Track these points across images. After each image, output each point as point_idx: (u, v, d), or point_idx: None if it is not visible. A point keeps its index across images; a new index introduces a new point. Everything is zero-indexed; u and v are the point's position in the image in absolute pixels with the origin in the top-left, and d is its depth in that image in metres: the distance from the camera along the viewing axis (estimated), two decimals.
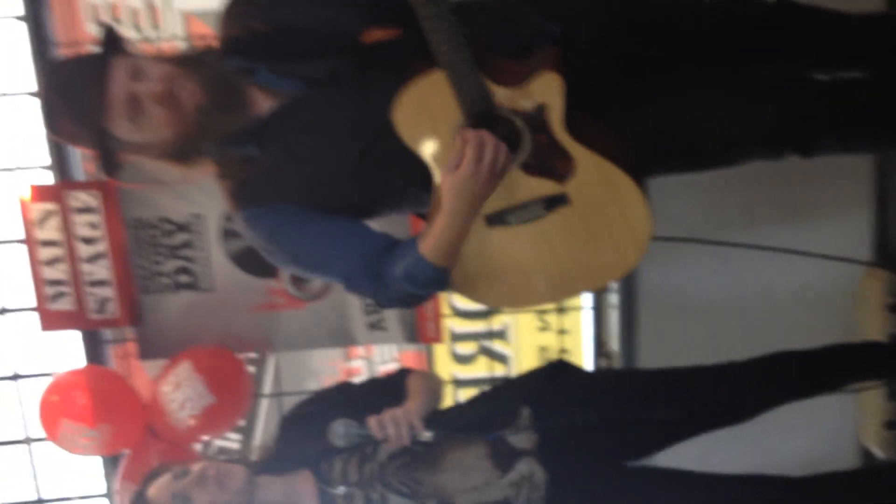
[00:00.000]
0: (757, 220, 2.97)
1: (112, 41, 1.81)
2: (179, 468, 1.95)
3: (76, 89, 1.77)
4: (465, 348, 3.51)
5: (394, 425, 1.89)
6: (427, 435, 1.89)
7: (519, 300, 1.97)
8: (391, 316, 3.24)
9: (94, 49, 1.83)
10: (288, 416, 2.17)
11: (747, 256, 2.64)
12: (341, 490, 1.96)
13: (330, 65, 1.83)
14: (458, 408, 2.21)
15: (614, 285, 3.28)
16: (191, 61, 1.82)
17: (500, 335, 3.52)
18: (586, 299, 3.50)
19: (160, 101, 1.76)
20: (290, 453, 2.03)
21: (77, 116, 1.77)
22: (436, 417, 2.01)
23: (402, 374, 2.23)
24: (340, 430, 1.89)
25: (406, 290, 1.86)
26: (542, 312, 3.59)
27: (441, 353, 3.49)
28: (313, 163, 1.86)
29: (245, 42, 1.84)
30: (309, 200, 1.86)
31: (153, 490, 1.94)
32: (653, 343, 3.23)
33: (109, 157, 1.83)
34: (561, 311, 3.57)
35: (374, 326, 3.25)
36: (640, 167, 1.87)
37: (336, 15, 1.85)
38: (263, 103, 1.86)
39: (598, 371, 3.24)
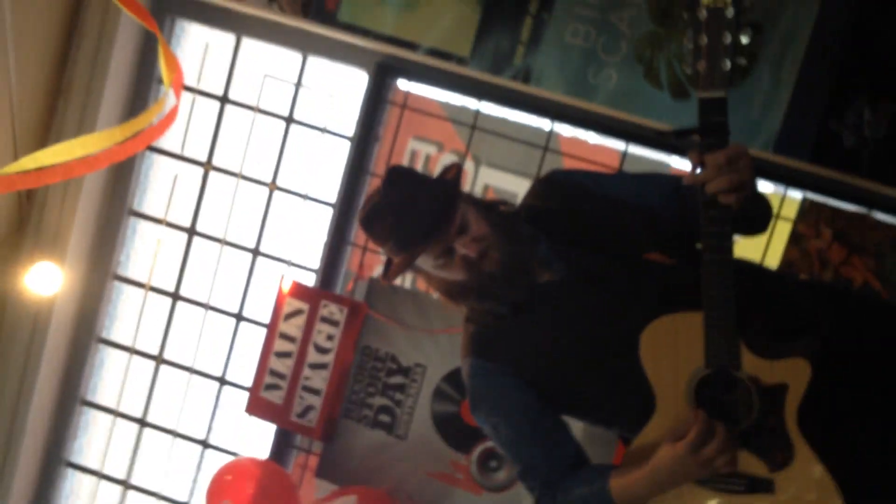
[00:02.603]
0: None
1: (459, 182, 1.93)
2: None
3: (414, 208, 1.86)
4: None
5: None
6: None
7: None
8: None
9: (443, 179, 1.96)
10: None
11: None
12: None
13: (604, 262, 1.91)
14: None
15: None
16: (503, 225, 1.92)
17: None
18: None
19: (469, 259, 1.88)
20: None
21: (401, 231, 1.86)
22: None
23: None
24: None
25: None
26: None
27: None
28: (550, 345, 1.92)
29: (542, 213, 1.97)
30: (533, 377, 1.92)
31: None
32: None
33: (399, 270, 1.93)
34: None
35: None
36: (854, 492, 1.78)
37: (630, 223, 1.94)
38: (540, 276, 1.94)
39: None
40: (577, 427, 2.01)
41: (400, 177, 1.95)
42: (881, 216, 2.92)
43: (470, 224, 1.88)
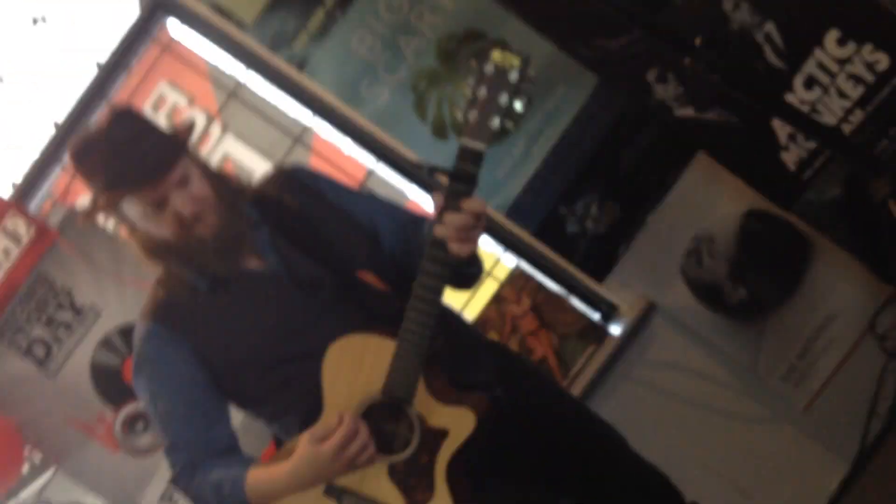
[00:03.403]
0: None
1: (188, 137, 1.87)
2: None
3: (132, 150, 1.78)
4: None
5: None
6: None
7: None
8: None
9: (172, 132, 1.88)
10: None
11: None
12: None
13: (317, 267, 1.90)
14: None
15: None
16: (227, 196, 1.87)
17: None
18: None
19: (181, 217, 1.81)
20: None
21: (112, 169, 1.78)
22: None
23: None
24: None
25: (205, 497, 1.86)
26: None
27: None
28: (237, 332, 1.89)
29: (273, 202, 1.94)
30: (210, 358, 1.89)
31: None
32: None
33: (102, 209, 1.84)
34: None
35: None
36: None
37: (356, 240, 1.95)
38: (248, 262, 1.91)
39: None
40: (235, 415, 1.99)
41: (127, 118, 1.87)
42: (577, 303, 3.14)
43: (192, 182, 1.82)
